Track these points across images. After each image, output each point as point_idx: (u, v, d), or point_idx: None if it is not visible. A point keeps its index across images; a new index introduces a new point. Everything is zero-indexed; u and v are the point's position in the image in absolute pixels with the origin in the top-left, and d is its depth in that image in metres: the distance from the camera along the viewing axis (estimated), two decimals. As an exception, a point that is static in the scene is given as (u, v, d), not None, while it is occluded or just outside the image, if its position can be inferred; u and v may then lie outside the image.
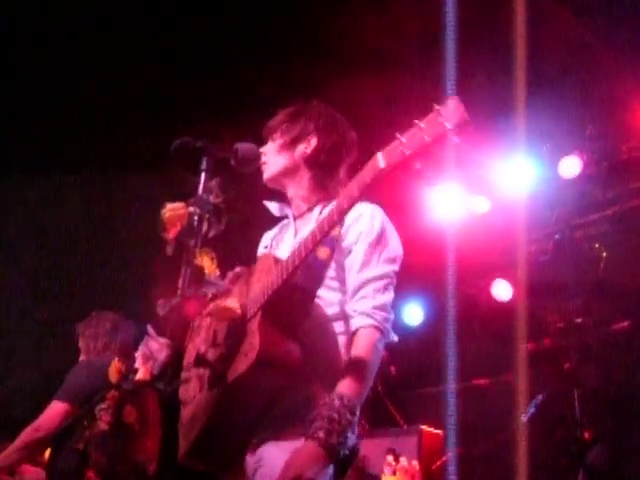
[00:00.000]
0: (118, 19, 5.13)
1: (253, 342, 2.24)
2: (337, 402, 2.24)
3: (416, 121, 2.01)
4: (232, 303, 2.34)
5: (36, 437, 4.07)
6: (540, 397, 4.84)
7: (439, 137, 1.98)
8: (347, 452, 2.23)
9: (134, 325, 4.48)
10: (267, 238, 2.80)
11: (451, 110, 1.96)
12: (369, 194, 2.15)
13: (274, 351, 2.24)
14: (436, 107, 1.98)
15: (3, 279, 6.03)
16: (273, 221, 2.81)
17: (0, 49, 5.13)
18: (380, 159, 2.07)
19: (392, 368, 5.60)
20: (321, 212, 2.58)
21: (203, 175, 2.36)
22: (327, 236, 2.26)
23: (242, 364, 2.26)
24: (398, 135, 2.04)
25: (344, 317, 2.46)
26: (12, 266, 6.02)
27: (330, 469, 2.24)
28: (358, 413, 2.28)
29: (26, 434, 4.10)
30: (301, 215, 2.66)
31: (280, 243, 2.69)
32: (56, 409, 4.10)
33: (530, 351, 5.51)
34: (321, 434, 2.19)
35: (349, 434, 2.23)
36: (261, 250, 2.79)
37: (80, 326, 4.51)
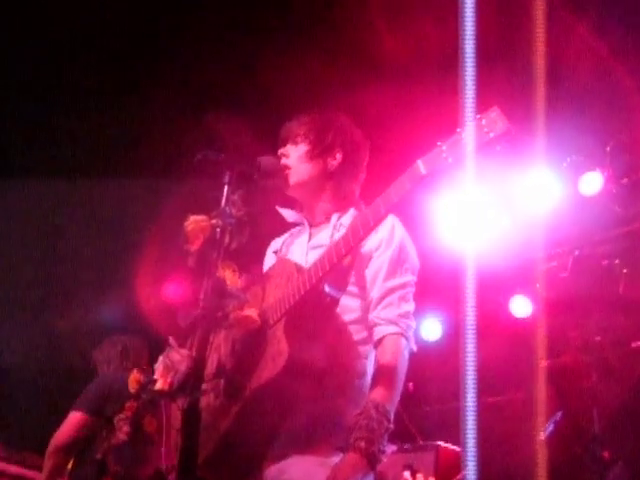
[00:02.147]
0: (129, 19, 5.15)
1: (280, 348, 2.25)
2: (373, 411, 2.27)
3: (458, 130, 2.01)
4: (251, 313, 2.35)
5: (53, 445, 4.13)
6: (559, 414, 4.81)
7: (482, 146, 1.97)
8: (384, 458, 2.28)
9: (145, 341, 4.55)
10: (277, 243, 2.81)
11: (494, 119, 1.96)
12: (407, 201, 2.13)
13: (301, 357, 2.26)
14: (478, 116, 1.98)
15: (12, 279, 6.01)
16: (287, 230, 2.82)
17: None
18: (421, 166, 2.07)
19: (410, 384, 5.57)
20: (338, 220, 2.61)
21: (225, 188, 2.38)
22: (359, 243, 2.27)
23: (267, 370, 2.27)
24: (439, 143, 2.04)
25: (363, 323, 2.47)
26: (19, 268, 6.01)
27: (371, 476, 2.29)
28: (392, 419, 2.32)
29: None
30: (317, 224, 2.68)
31: (291, 246, 2.70)
32: (72, 418, 4.16)
33: (549, 368, 5.47)
34: (362, 444, 2.23)
35: (386, 441, 2.28)
36: (270, 255, 2.80)
37: (94, 352, 4.61)
